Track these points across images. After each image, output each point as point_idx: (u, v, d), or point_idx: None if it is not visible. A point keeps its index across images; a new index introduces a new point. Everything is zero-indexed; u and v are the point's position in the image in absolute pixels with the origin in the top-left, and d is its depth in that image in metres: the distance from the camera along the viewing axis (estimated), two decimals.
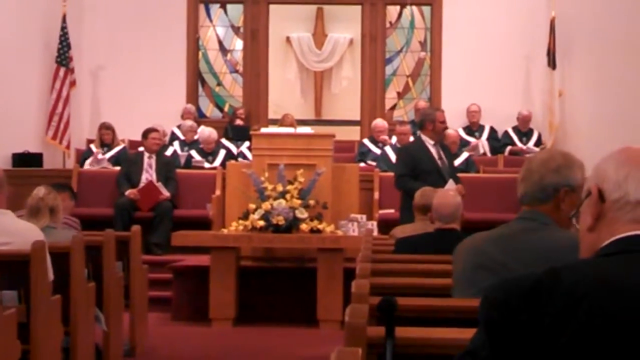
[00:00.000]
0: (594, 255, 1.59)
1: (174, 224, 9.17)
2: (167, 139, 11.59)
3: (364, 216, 7.95)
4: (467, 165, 10.52)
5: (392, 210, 8.90)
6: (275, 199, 7.66)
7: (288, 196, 7.68)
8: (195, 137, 11.38)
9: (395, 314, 2.20)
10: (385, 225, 8.08)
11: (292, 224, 7.65)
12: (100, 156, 10.76)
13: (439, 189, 5.82)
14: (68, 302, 4.56)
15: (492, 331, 1.49)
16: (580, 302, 1.42)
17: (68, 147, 11.92)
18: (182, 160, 10.87)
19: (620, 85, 11.93)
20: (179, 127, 11.94)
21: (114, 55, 12.55)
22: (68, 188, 6.86)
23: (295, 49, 12.99)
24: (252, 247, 7.97)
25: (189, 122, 11.69)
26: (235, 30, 13.23)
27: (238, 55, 13.23)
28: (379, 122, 11.37)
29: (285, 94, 12.96)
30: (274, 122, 11.92)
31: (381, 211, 9.34)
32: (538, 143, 12.10)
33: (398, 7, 13.06)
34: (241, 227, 7.71)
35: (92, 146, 11.10)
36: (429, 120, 7.52)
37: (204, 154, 10.95)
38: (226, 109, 13.21)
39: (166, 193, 9.50)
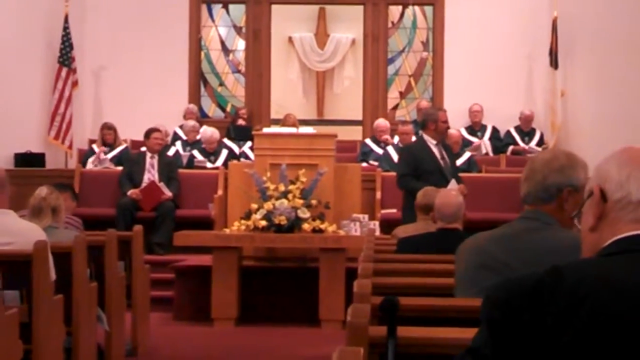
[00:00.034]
0: (596, 255, 1.59)
1: (176, 223, 9.18)
2: (169, 139, 11.59)
3: (366, 216, 7.95)
4: (469, 165, 10.52)
5: (394, 210, 8.90)
6: (278, 198, 7.66)
7: (290, 196, 7.68)
8: (198, 137, 11.39)
9: (397, 313, 2.20)
10: (388, 225, 8.09)
11: (294, 224, 7.65)
12: (102, 156, 10.78)
13: (441, 188, 5.82)
14: (70, 302, 4.56)
15: (494, 331, 1.49)
16: (583, 301, 1.42)
17: (70, 147, 11.93)
18: (185, 160, 10.88)
19: (623, 85, 11.92)
20: (181, 127, 11.95)
21: (116, 56, 12.56)
22: (69, 188, 6.86)
23: (298, 49, 13.00)
24: (254, 247, 7.97)
25: (191, 122, 11.70)
26: (238, 30, 13.24)
27: (240, 55, 13.23)
28: (381, 122, 11.37)
29: (287, 94, 12.97)
30: (276, 122, 11.92)
31: (383, 211, 9.34)
32: (540, 143, 12.10)
33: (400, 7, 13.06)
34: (243, 227, 7.71)
35: (94, 146, 11.10)
36: (431, 120, 7.52)
37: (206, 154, 10.95)
38: (228, 109, 13.21)
39: (168, 193, 9.50)
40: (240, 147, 11.42)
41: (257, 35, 12.97)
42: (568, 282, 1.46)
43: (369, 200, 9.40)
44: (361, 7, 12.96)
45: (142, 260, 6.36)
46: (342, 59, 12.99)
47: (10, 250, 4.18)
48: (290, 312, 7.60)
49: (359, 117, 12.93)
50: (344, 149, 10.87)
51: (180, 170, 10.08)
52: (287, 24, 13.01)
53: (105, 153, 10.89)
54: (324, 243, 7.47)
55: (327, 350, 3.18)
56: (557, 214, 2.86)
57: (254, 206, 7.72)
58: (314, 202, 7.75)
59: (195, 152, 10.99)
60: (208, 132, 11.06)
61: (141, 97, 12.36)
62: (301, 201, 7.68)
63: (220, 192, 9.57)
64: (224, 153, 10.98)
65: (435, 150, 7.45)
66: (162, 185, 9.56)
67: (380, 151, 10.89)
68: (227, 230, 7.87)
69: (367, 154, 11.05)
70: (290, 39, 13.02)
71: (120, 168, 10.18)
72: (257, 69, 12.97)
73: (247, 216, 7.75)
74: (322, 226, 7.66)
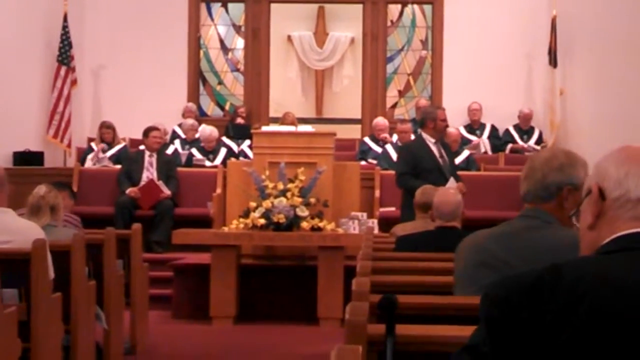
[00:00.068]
0: (595, 253, 1.59)
1: (175, 222, 9.18)
2: (168, 137, 11.58)
3: (365, 214, 7.95)
4: (468, 164, 10.52)
5: (392, 208, 8.90)
6: (276, 197, 7.66)
7: (289, 194, 7.68)
8: (196, 135, 11.38)
9: (395, 311, 2.20)
10: (386, 223, 8.09)
11: (293, 222, 7.65)
12: (101, 154, 10.77)
13: (440, 187, 5.82)
14: (69, 300, 4.56)
15: (492, 328, 1.49)
16: (582, 299, 1.42)
17: (69, 145, 11.93)
18: (183, 159, 10.88)
19: (621, 84, 11.93)
20: (180, 125, 11.94)
21: (115, 54, 12.55)
22: (67, 187, 6.85)
23: (297, 47, 12.99)
24: (252, 245, 7.97)
25: (190, 121, 11.69)
26: (237, 28, 13.23)
27: (239, 54, 13.23)
28: (380, 121, 11.37)
29: (286, 92, 12.96)
30: (275, 120, 11.91)
31: (382, 209, 9.34)
32: (539, 141, 12.10)
33: (399, 6, 13.05)
34: (242, 225, 7.72)
35: (93, 144, 11.10)
36: (430, 118, 7.52)
37: (204, 152, 10.95)
38: (227, 107, 13.21)
39: (167, 191, 9.50)
40: (239, 145, 11.42)
41: (256, 34, 12.97)
42: (567, 280, 1.46)
43: (367, 198, 9.41)
44: (360, 6, 12.96)
45: (141, 258, 6.36)
46: (341, 57, 12.98)
47: (9, 249, 4.18)
48: (288, 310, 7.61)
49: (358, 116, 12.93)
50: (342, 147, 10.87)
51: (179, 169, 10.08)
52: (286, 23, 13.01)
53: (104, 150, 10.88)
54: (322, 241, 7.47)
55: (326, 348, 3.18)
56: (557, 213, 2.86)
57: (253, 204, 7.73)
58: (312, 200, 7.75)
59: (194, 151, 10.99)
60: (207, 130, 11.06)
61: (140, 95, 12.35)
62: (300, 199, 7.68)
63: (219, 190, 9.58)
64: (223, 151, 10.98)
65: (434, 148, 7.45)
66: (160, 183, 9.56)
67: (379, 150, 10.89)
68: (226, 229, 7.87)
69: (365, 152, 11.06)
70: (289, 38, 13.02)
71: (119, 166, 10.18)
72: (256, 68, 12.97)
73: (246, 214, 7.75)
74: (321, 224, 7.67)
